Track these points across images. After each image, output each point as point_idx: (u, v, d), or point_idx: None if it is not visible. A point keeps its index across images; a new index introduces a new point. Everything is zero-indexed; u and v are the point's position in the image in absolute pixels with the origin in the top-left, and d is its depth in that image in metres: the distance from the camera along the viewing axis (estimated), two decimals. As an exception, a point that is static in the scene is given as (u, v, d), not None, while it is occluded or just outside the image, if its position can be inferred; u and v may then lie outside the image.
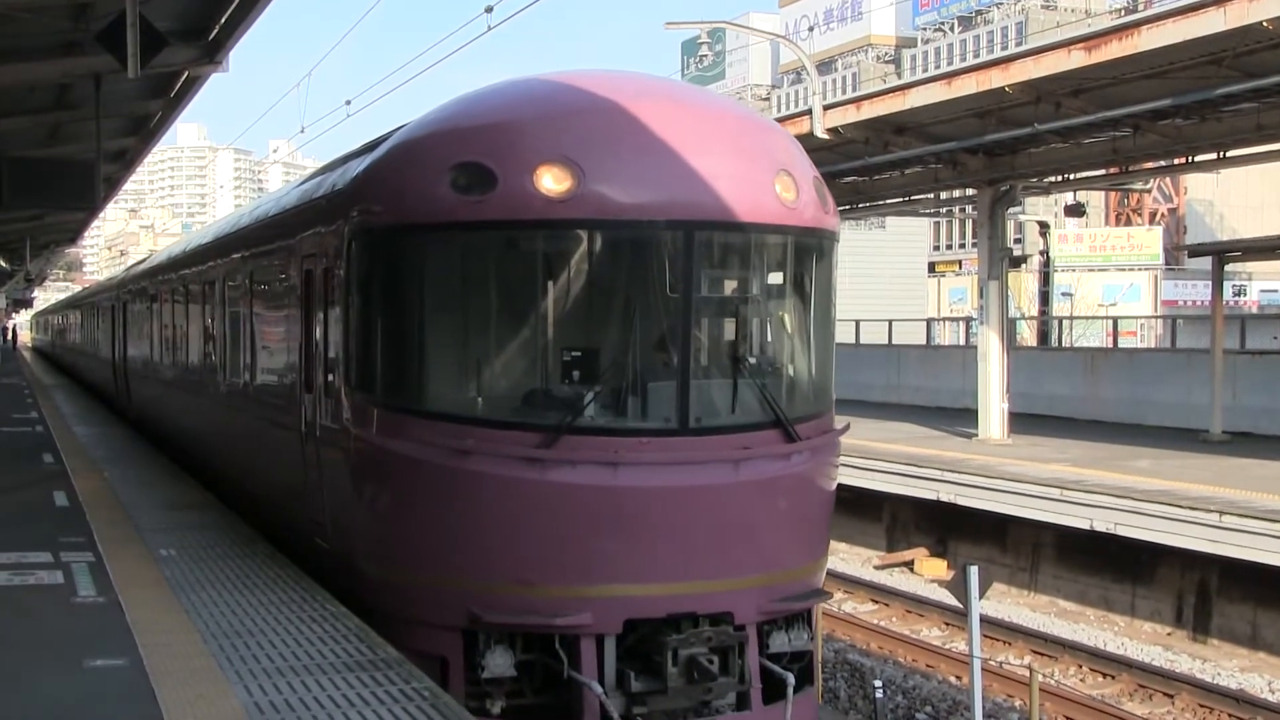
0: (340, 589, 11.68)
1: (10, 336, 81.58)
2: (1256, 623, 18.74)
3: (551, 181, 10.13)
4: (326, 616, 10.77)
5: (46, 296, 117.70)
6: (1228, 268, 28.58)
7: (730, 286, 11.48)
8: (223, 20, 17.93)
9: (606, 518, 10.15)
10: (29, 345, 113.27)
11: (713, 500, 10.39)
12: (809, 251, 11.50)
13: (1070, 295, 61.37)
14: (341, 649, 9.75)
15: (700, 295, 10.71)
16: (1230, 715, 15.66)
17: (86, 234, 62.90)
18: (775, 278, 11.71)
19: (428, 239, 10.73)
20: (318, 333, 12.38)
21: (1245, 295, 69.94)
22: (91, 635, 9.96)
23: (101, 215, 52.78)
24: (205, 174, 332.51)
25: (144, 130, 27.48)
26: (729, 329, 11.28)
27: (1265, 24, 18.18)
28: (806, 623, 11.24)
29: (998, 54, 29.26)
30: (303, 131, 40.30)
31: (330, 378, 11.96)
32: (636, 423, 10.38)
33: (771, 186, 10.81)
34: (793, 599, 10.99)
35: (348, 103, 30.50)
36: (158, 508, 16.69)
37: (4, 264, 54.92)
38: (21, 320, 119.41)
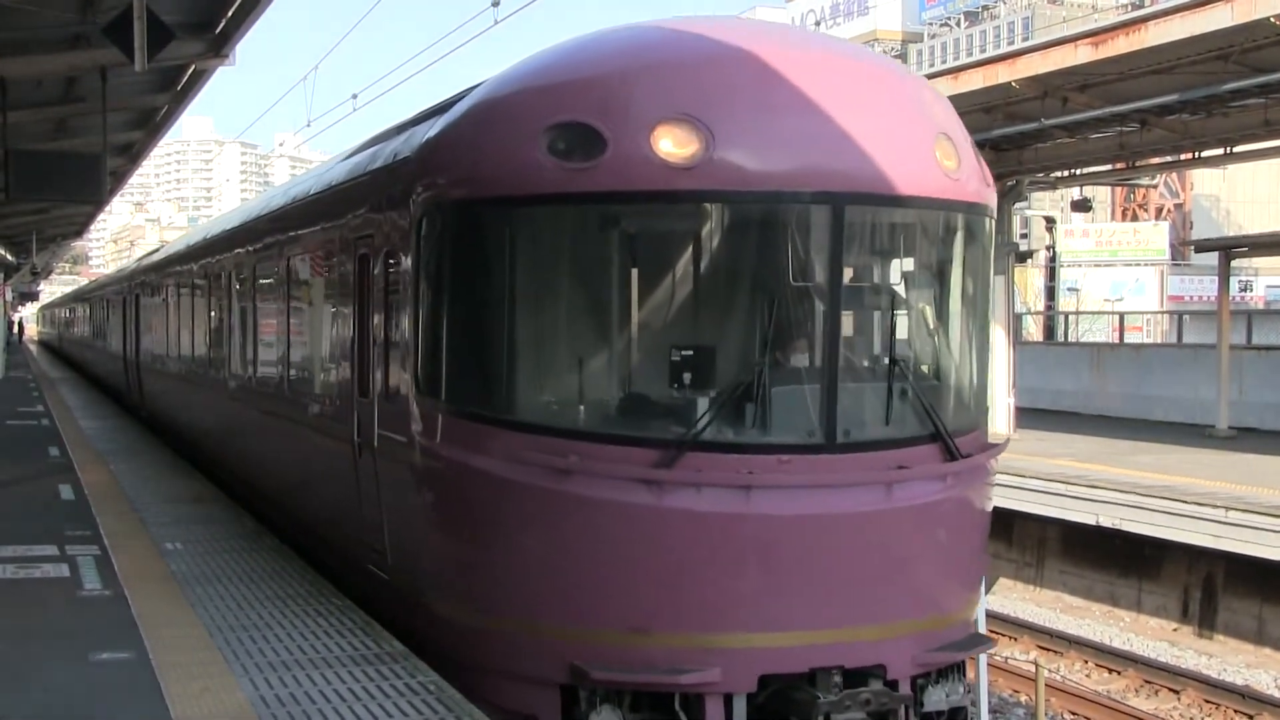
0: (402, 626, 10.23)
1: (16, 330, 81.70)
2: (1262, 618, 18.72)
3: (672, 144, 8.52)
4: (332, 610, 10.77)
5: (52, 290, 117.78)
6: (1234, 263, 28.55)
7: (882, 273, 9.74)
8: (229, 13, 17.92)
9: (738, 552, 8.53)
10: (35, 339, 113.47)
11: (863, 530, 8.77)
12: (970, 231, 9.70)
13: (1076, 290, 61.30)
14: (347, 643, 9.76)
15: (850, 283, 9.20)
16: (1236, 711, 15.65)
17: (92, 227, 62.93)
18: (934, 263, 9.90)
19: (518, 215, 9.07)
20: (376, 328, 10.77)
21: (1251, 291, 69.83)
22: (97, 628, 9.98)
23: (107, 209, 52.83)
24: (211, 167, 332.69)
25: (150, 124, 27.49)
26: (881, 324, 9.70)
27: (1273, 19, 18.17)
28: (962, 673, 9.55)
29: (1004, 49, 29.22)
30: (309, 125, 40.24)
31: (392, 380, 10.37)
32: (774, 437, 8.72)
33: (932, 152, 9.14)
34: (954, 647, 9.34)
35: (354, 96, 30.48)
36: (163, 501, 16.72)
37: (10, 257, 54.98)
38: (28, 313, 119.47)
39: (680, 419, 8.67)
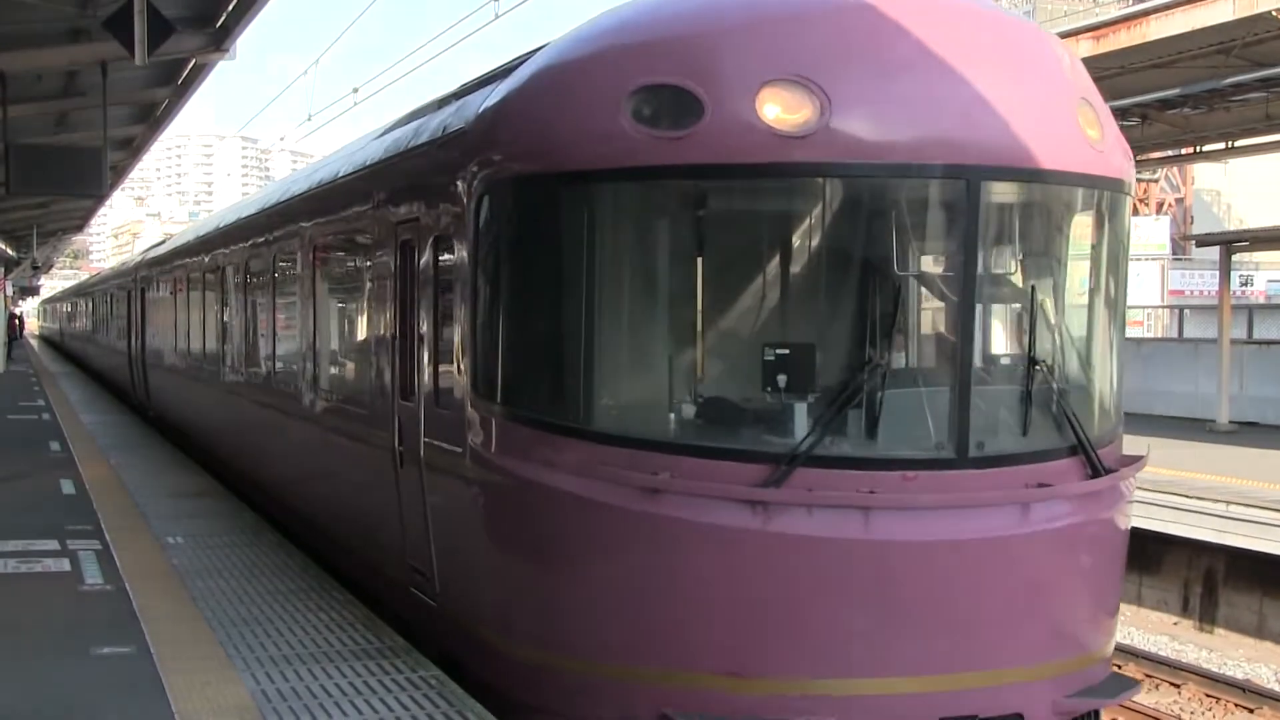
0: (451, 658, 9.32)
1: (18, 324, 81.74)
2: (1263, 612, 18.71)
3: (781, 110, 7.38)
4: (334, 605, 10.77)
5: (53, 285, 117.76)
6: (1235, 258, 28.49)
7: (1020, 259, 8.45)
8: (230, 7, 17.93)
9: (855, 583, 7.40)
10: (36, 334, 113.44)
11: (999, 558, 7.63)
12: (1114, 211, 8.52)
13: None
14: (349, 637, 9.76)
15: (986, 271, 8.00)
16: (1236, 705, 15.65)
17: (93, 222, 62.91)
18: (1075, 248, 8.62)
19: (597, 192, 7.95)
20: (421, 323, 9.67)
21: (1252, 285, 69.83)
22: (99, 623, 9.97)
23: (108, 203, 52.73)
24: (211, 161, 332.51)
25: (151, 118, 27.51)
26: (1018, 319, 8.43)
27: (1274, 13, 18.15)
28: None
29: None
30: (309, 120, 40.17)
31: (442, 382, 9.31)
32: (897, 450, 7.59)
33: (1075, 120, 8.00)
34: (1097, 692, 8.21)
35: (355, 90, 30.45)
36: (165, 495, 16.72)
37: (11, 252, 54.97)
38: (28, 308, 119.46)
39: (788, 429, 7.58)
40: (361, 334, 11.63)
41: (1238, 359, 27.81)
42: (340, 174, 12.43)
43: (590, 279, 8.02)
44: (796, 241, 8.36)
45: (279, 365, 14.95)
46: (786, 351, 7.64)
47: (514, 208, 8.35)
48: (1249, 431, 26.10)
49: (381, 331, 10.63)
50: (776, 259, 8.45)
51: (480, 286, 8.56)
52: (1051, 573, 7.85)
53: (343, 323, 12.67)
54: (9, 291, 59.13)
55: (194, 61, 20.62)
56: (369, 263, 11.13)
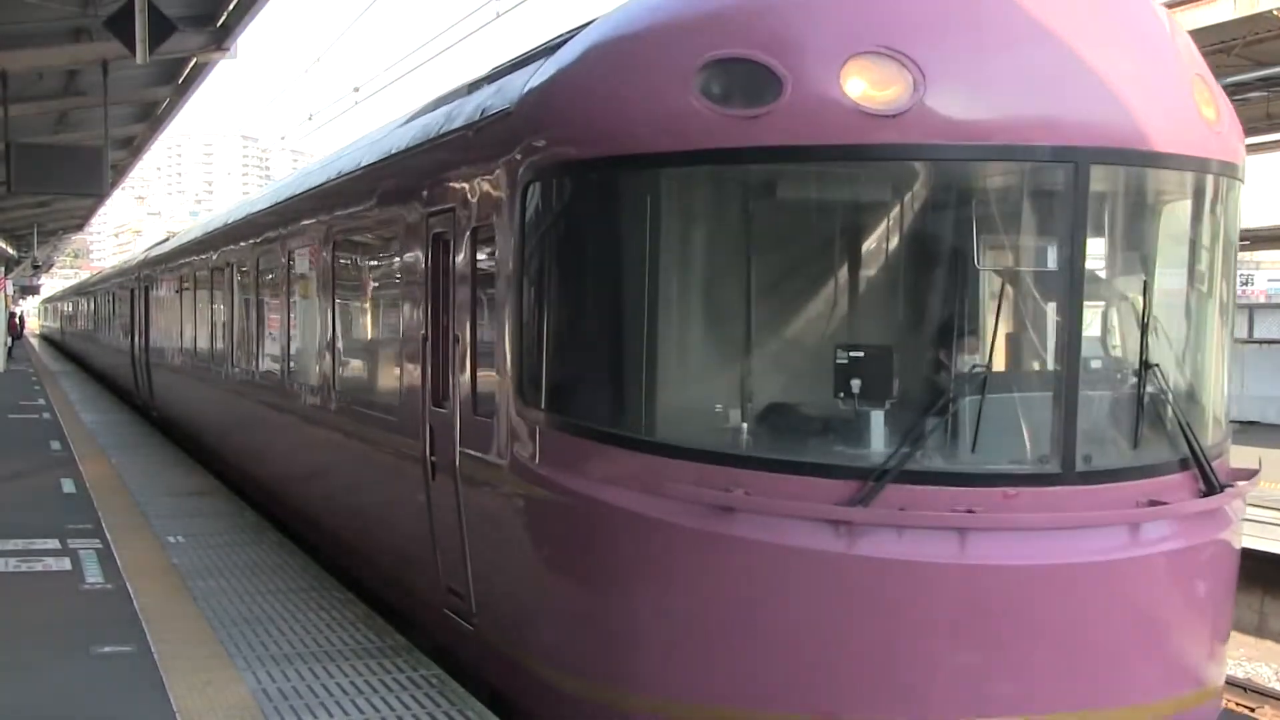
0: (490, 687, 8.76)
1: (18, 324, 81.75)
2: (1264, 611, 18.70)
3: (869, 86, 6.63)
4: (334, 604, 10.77)
5: (53, 284, 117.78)
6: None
7: (1130, 252, 7.73)
8: (231, 6, 17.92)
9: (951, 613, 6.65)
10: (36, 333, 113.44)
11: (1110, 583, 6.86)
12: (1229, 199, 7.73)
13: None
14: (349, 636, 9.75)
15: (1094, 265, 7.21)
16: (1237, 704, 15.65)
17: (93, 221, 62.94)
18: (1189, 239, 7.74)
19: (663, 177, 7.22)
20: (457, 323, 8.94)
21: (1252, 285, 69.85)
22: (99, 622, 9.97)
23: (109, 202, 52.71)
24: (211, 160, 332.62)
25: (152, 117, 27.51)
26: (1125, 318, 7.59)
27: (1275, 12, 18.15)
28: None
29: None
30: (310, 119, 40.16)
31: (481, 388, 8.57)
32: (996, 464, 6.85)
33: (1191, 98, 7.24)
34: None
35: (356, 89, 30.44)
36: (165, 494, 16.74)
37: (11, 250, 54.97)
38: (29, 306, 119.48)
39: (876, 442, 6.86)
40: (387, 334, 10.91)
41: (1239, 358, 27.84)
42: (363, 164, 11.67)
43: (652, 273, 7.27)
44: (885, 232, 7.60)
45: (294, 367, 14.23)
46: (862, 354, 6.92)
47: (566, 195, 7.64)
48: (1250, 430, 26.11)
49: (409, 332, 9.92)
50: (862, 251, 7.71)
51: (526, 282, 7.83)
52: (1165, 599, 7.10)
53: (366, 322, 11.89)
54: (9, 290, 59.14)
55: (195, 60, 20.60)
56: (395, 258, 10.40)
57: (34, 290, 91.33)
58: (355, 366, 12.17)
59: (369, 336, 11.74)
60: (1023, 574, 6.68)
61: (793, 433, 7.18)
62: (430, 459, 9.31)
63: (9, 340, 54.14)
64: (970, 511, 6.59)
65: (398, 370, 10.25)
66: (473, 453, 8.55)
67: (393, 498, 10.37)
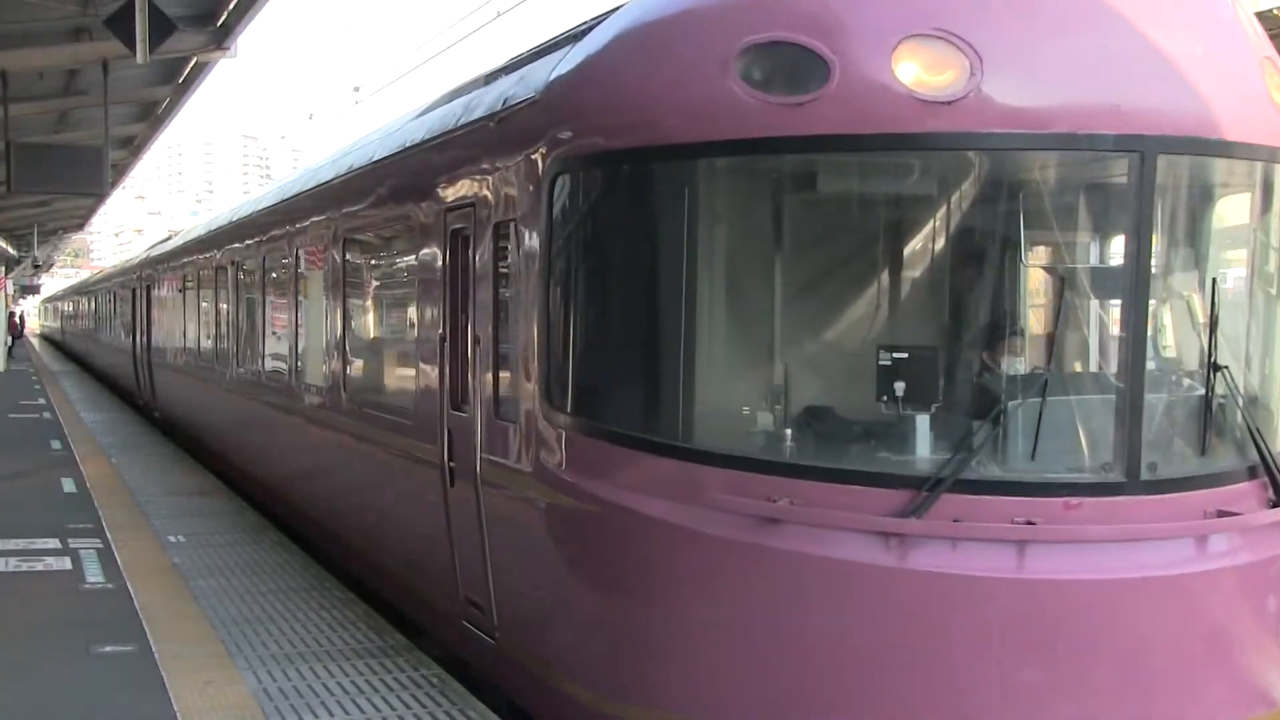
0: (512, 703, 8.42)
1: (18, 323, 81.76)
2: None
3: (923, 70, 6.23)
4: (335, 604, 10.76)
5: (54, 284, 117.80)
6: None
7: (1195, 246, 7.22)
8: (231, 6, 17.92)
9: (1008, 631, 6.21)
10: (37, 333, 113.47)
11: (1179, 599, 6.43)
12: None
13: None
14: (350, 635, 9.74)
15: (1159, 260, 6.78)
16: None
17: (93, 221, 62.97)
18: (1258, 233, 7.22)
19: (702, 168, 6.85)
20: (478, 322, 8.53)
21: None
22: (100, 622, 9.96)
23: (109, 201, 52.63)
24: (211, 160, 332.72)
25: (152, 116, 27.52)
26: (1189, 318, 7.16)
27: (1275, 11, 18.13)
28: None
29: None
30: (311, 119, 40.18)
31: (504, 390, 8.15)
32: (1057, 472, 6.43)
33: (1262, 83, 6.77)
34: None
35: (356, 89, 30.46)
36: (166, 494, 16.73)
37: (12, 250, 54.99)
38: (29, 306, 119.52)
39: (926, 447, 6.48)
40: (401, 334, 10.58)
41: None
42: (375, 158, 11.22)
43: (688, 270, 6.87)
44: (936, 226, 7.25)
45: (302, 368, 13.83)
46: (941, 358, 6.61)
47: (596, 188, 7.24)
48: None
49: (426, 332, 9.50)
50: (912, 246, 7.38)
51: (553, 280, 7.39)
52: (1234, 616, 6.62)
53: (379, 322, 11.61)
54: (9, 290, 59.15)
55: (195, 60, 20.61)
56: (410, 255, 9.97)
57: (34, 290, 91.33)
58: (367, 368, 11.83)
59: (382, 336, 11.40)
60: (1084, 589, 6.26)
61: (838, 439, 6.79)
62: (449, 464, 8.90)
63: (9, 340, 54.14)
64: (1030, 523, 6.17)
65: (413, 372, 9.86)
66: (495, 458, 8.18)
67: (407, 504, 10.01)
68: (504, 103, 8.29)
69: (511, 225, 7.95)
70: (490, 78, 9.35)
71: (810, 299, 7.31)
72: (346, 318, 11.98)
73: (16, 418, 27.53)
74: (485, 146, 8.50)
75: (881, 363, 6.48)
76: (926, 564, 6.20)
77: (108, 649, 9.21)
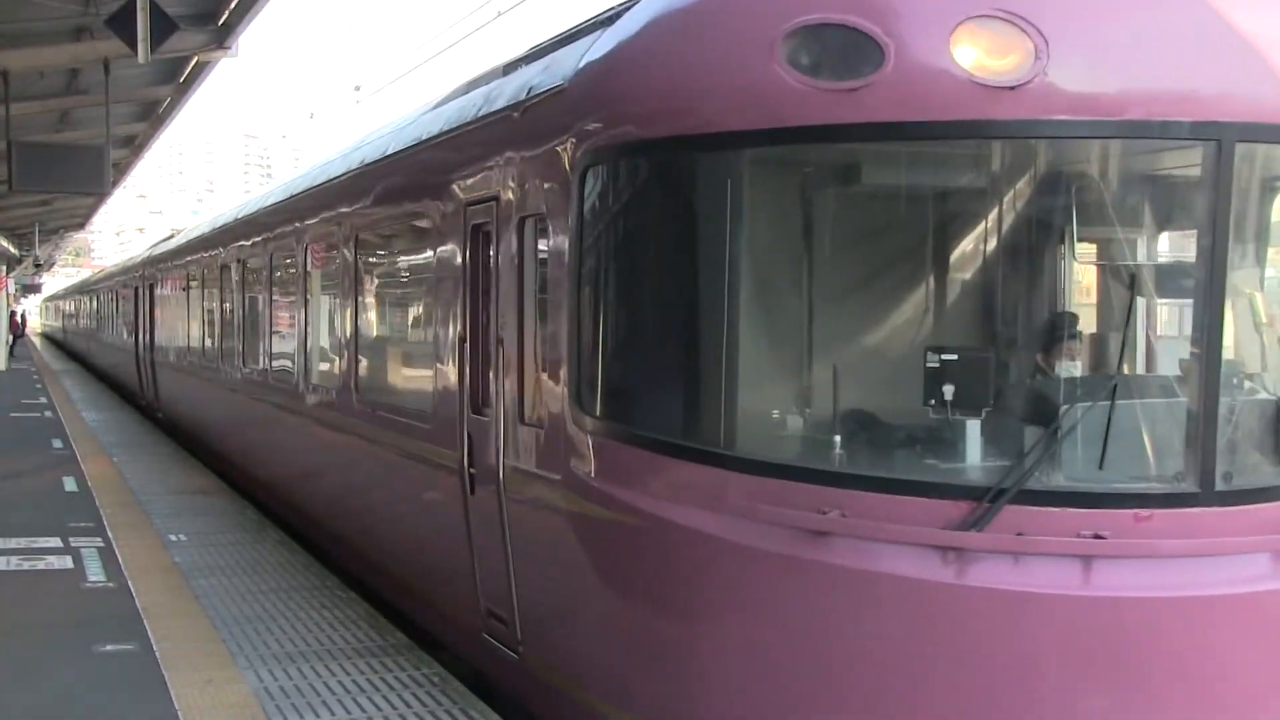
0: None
1: (19, 322, 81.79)
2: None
3: (984, 53, 5.84)
4: (336, 603, 10.76)
5: (55, 283, 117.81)
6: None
7: (1254, 243, 6.77)
8: (232, 5, 17.94)
9: (1074, 652, 5.81)
10: (38, 332, 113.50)
11: (1250, 616, 6.00)
12: None
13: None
14: (351, 634, 9.75)
15: (1236, 256, 6.26)
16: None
17: (95, 220, 62.99)
18: None
19: (746, 158, 6.46)
20: (500, 320, 8.13)
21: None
22: (101, 620, 9.96)
23: (110, 200, 52.56)
24: (212, 158, 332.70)
25: (154, 116, 27.53)
26: (1250, 317, 6.80)
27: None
28: None
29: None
30: (312, 118, 40.16)
31: (529, 393, 7.77)
32: (1126, 482, 6.08)
33: None
34: None
35: (357, 88, 30.45)
36: (167, 493, 16.74)
37: (13, 249, 54.97)
38: (30, 305, 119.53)
39: (985, 454, 6.14)
40: (418, 334, 10.27)
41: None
42: (389, 152, 10.87)
43: (730, 267, 6.44)
44: (995, 219, 6.89)
45: (313, 369, 13.46)
46: (999, 360, 6.34)
47: (631, 180, 6.89)
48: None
49: (444, 331, 9.15)
50: (970, 241, 7.05)
51: (585, 277, 7.00)
52: None
53: (394, 321, 11.24)
54: (11, 289, 59.16)
55: (196, 59, 20.62)
56: (428, 251, 9.59)
57: (35, 289, 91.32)
58: (381, 369, 11.46)
59: (396, 336, 11.06)
60: (1155, 607, 5.83)
61: (888, 446, 6.45)
62: (469, 470, 8.55)
63: (10, 339, 54.15)
64: (1098, 536, 5.78)
65: (429, 373, 9.50)
66: (520, 465, 7.80)
67: (423, 509, 9.69)
68: (528, 92, 7.89)
69: (537, 220, 7.63)
70: (509, 68, 9.00)
71: (859, 296, 6.98)
72: (360, 316, 11.65)
73: (18, 417, 27.52)
74: (509, 138, 8.11)
75: (929, 365, 6.15)
76: (987, 580, 5.81)
77: (109, 648, 9.21)
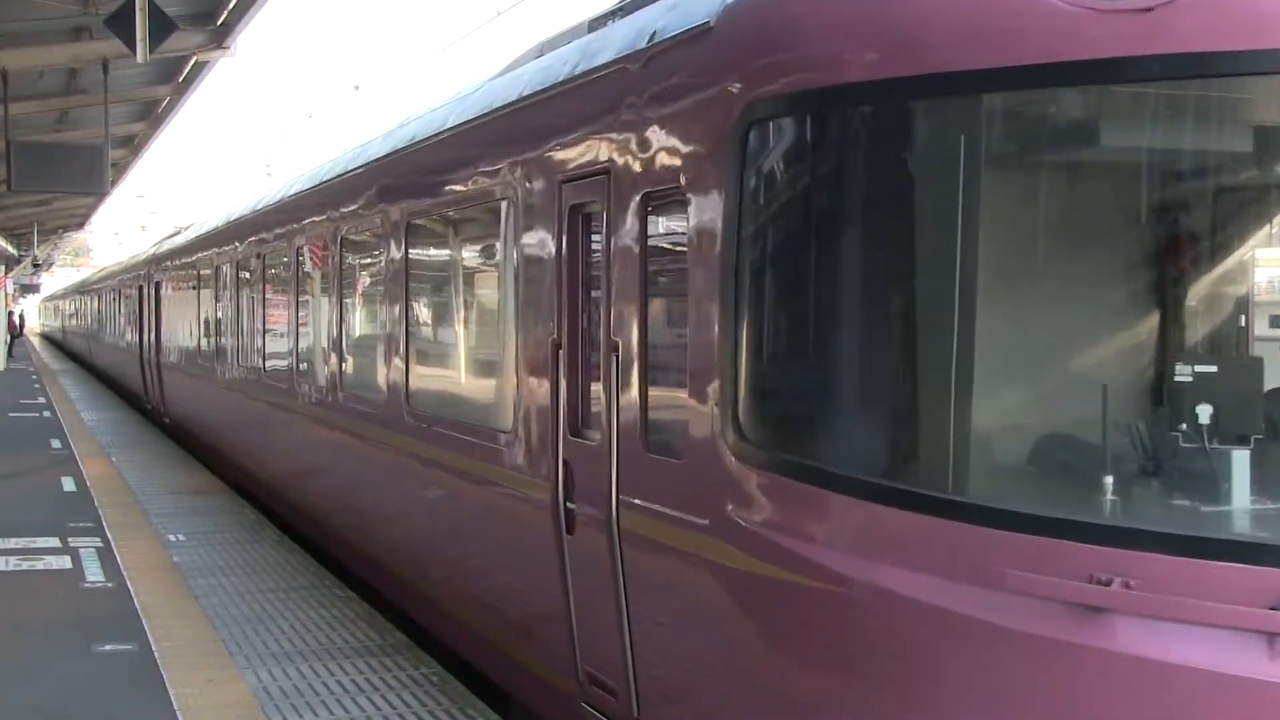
0: None
1: (18, 322, 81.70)
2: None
3: None
4: (335, 602, 10.76)
5: (54, 283, 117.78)
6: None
7: None
8: (231, 5, 17.95)
9: None
10: (37, 332, 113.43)
11: None
12: None
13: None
14: (350, 634, 9.74)
15: None
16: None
17: (94, 220, 62.98)
18: None
19: (995, 107, 4.93)
20: (615, 320, 6.48)
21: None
22: (100, 620, 9.95)
23: (109, 200, 52.46)
24: (212, 157, 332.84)
25: (153, 115, 27.55)
26: None
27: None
28: None
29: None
30: (311, 118, 40.28)
31: (656, 414, 6.19)
32: None
33: None
34: None
35: (356, 88, 30.51)
36: (166, 493, 16.73)
37: (12, 249, 54.95)
38: (29, 305, 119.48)
39: (1246, 495, 4.70)
40: (488, 337, 8.72)
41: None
42: (446, 125, 9.30)
43: (965, 250, 4.92)
44: None
45: (350, 376, 11.79)
46: (1215, 369, 4.88)
47: (820, 139, 5.38)
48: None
49: (530, 335, 7.54)
50: None
51: (750, 264, 5.49)
52: None
53: (456, 321, 9.47)
54: (9, 289, 59.14)
55: (195, 59, 20.64)
56: (504, 238, 8.06)
57: (34, 289, 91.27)
58: (438, 376, 9.88)
59: (462, 340, 9.31)
60: None
61: (1181, 492, 4.86)
62: (565, 505, 6.97)
63: (9, 339, 54.13)
64: None
65: (506, 384, 7.93)
66: (643, 503, 6.19)
67: (498, 548, 8.17)
68: (651, 38, 6.32)
69: (671, 195, 6.03)
70: (594, 24, 7.63)
71: (1142, 292, 5.42)
72: (411, 316, 10.03)
73: (16, 416, 27.52)
74: (623, 96, 6.46)
75: (1177, 379, 4.82)
76: None
77: (108, 647, 9.20)
